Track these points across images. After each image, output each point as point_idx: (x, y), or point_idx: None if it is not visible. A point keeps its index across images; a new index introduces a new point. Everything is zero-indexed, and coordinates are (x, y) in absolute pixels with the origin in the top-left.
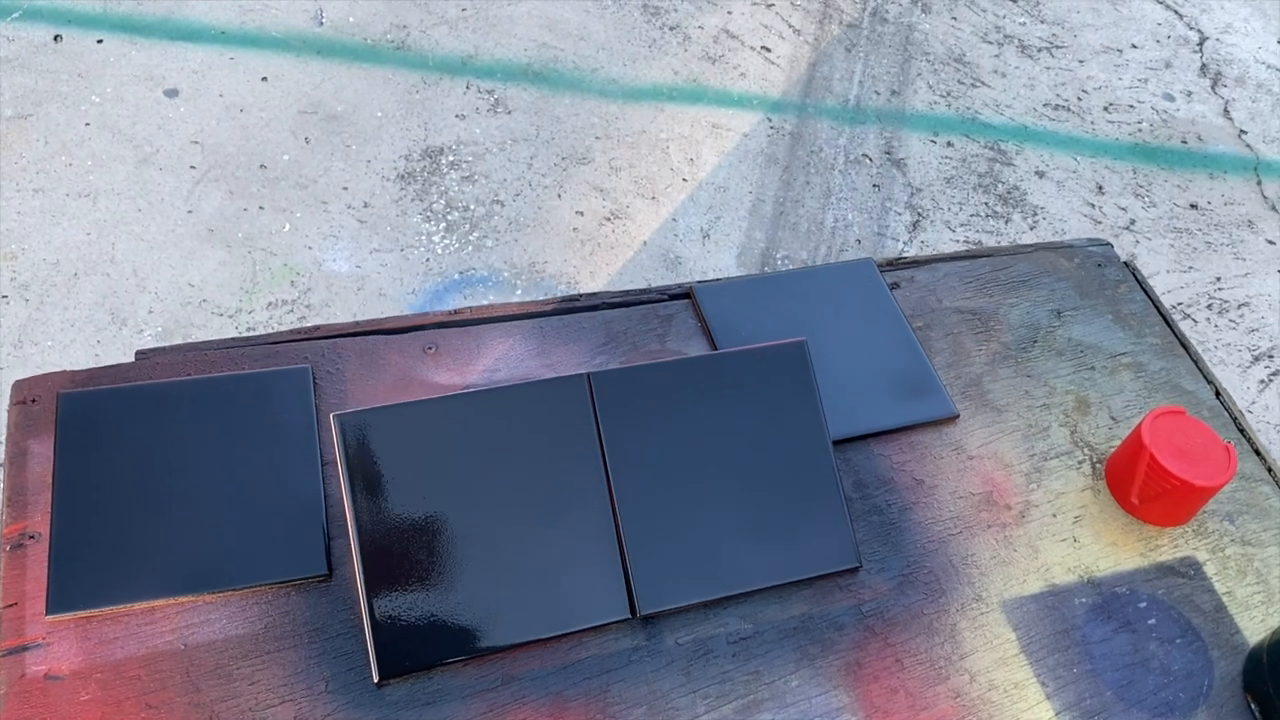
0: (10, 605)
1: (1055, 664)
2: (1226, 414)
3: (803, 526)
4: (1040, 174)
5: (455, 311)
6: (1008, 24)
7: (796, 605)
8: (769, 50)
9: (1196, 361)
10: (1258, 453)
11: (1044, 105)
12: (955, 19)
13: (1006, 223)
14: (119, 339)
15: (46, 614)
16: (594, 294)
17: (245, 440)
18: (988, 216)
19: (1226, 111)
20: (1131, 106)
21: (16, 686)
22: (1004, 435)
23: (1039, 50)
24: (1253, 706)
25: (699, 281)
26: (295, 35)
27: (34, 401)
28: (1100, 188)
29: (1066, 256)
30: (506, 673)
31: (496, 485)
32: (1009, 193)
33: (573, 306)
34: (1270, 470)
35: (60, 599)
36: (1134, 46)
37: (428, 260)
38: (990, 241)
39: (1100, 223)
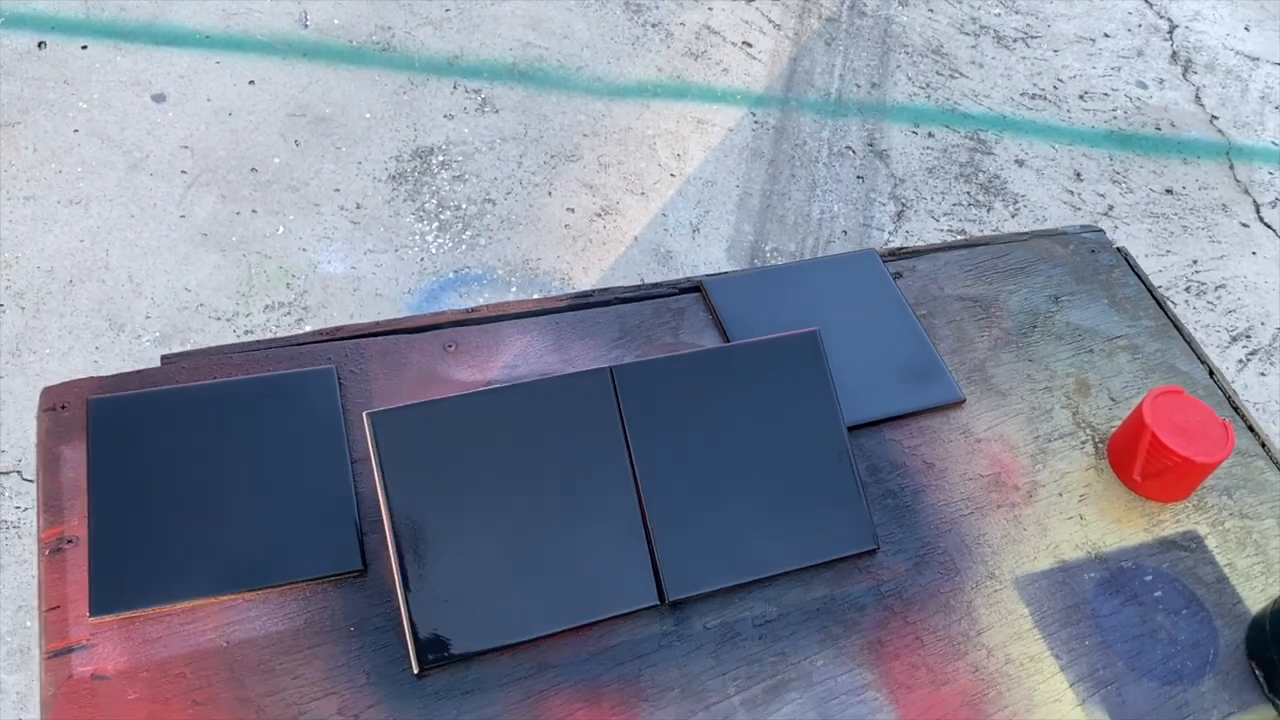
0: (53, 608)
1: (1068, 637)
2: (1220, 393)
3: (821, 511)
4: (1020, 162)
5: (473, 309)
6: (983, 15)
7: (818, 587)
8: (750, 45)
9: (1190, 343)
10: (1251, 429)
11: (1021, 95)
12: (932, 11)
13: (989, 211)
14: (117, 345)
15: (90, 615)
16: (606, 289)
17: (274, 441)
18: (970, 205)
19: (1198, 98)
20: (1106, 94)
21: (64, 688)
22: (1009, 418)
23: (1014, 40)
24: (1257, 672)
25: (708, 275)
26: (280, 38)
27: (63, 408)
28: (1078, 175)
29: (1061, 243)
30: (542, 660)
31: (525, 478)
32: (990, 181)
33: (587, 302)
34: (1264, 445)
35: (103, 600)
36: (1106, 35)
37: (422, 260)
38: (974, 230)
39: (1079, 209)
